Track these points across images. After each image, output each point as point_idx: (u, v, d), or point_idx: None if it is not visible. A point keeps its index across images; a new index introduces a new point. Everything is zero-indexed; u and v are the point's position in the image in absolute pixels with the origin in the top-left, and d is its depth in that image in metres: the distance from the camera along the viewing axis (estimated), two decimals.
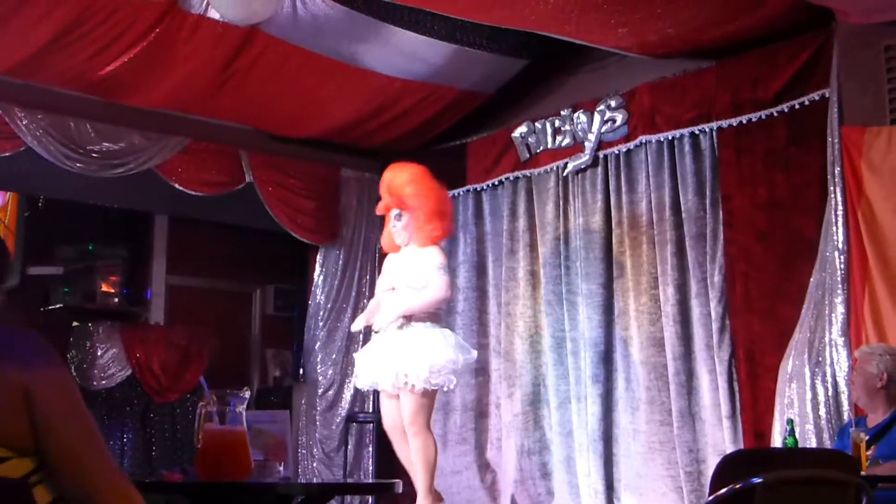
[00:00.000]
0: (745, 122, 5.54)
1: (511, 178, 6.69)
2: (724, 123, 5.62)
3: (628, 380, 5.93)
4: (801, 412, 4.90)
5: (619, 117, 6.11)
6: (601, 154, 6.22)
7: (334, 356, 7.10)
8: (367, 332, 5.52)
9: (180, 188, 6.54)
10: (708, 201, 5.66)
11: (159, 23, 5.43)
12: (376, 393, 5.85)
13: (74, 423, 1.59)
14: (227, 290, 8.15)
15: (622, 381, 5.96)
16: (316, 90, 6.30)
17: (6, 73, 5.68)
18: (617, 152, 6.14)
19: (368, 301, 5.91)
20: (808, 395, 4.90)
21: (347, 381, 7.01)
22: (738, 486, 2.60)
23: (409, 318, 5.17)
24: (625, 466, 5.89)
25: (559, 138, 6.41)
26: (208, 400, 2.68)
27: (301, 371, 7.25)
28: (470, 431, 6.67)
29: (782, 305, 5.25)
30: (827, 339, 4.90)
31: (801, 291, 5.09)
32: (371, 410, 6.92)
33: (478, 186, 6.90)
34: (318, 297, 7.22)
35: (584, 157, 6.25)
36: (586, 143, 6.24)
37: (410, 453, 5.18)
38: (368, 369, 5.27)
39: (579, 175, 6.32)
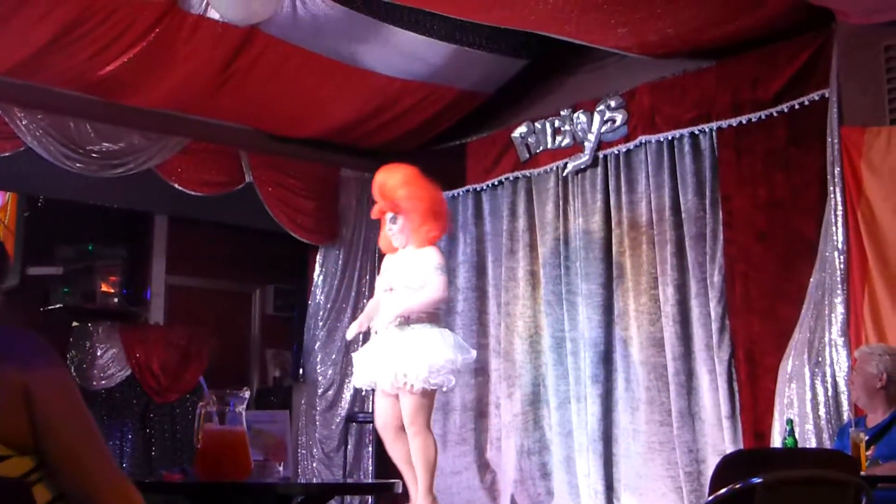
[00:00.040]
0: (744, 122, 5.54)
1: (511, 179, 6.69)
2: (724, 123, 5.62)
3: (628, 380, 5.93)
4: (800, 412, 4.90)
5: (619, 117, 6.11)
6: (601, 154, 6.21)
7: (334, 356, 7.10)
8: (367, 331, 5.52)
9: (180, 188, 6.54)
10: (708, 201, 5.66)
11: (159, 23, 5.43)
12: (375, 393, 5.85)
13: (74, 422, 1.60)
14: (226, 290, 8.15)
15: (622, 382, 5.96)
16: (316, 90, 6.30)
17: (6, 73, 5.68)
18: (617, 152, 6.14)
19: (368, 301, 5.91)
20: (808, 396, 4.90)
21: (347, 381, 7.00)
22: (737, 486, 2.60)
23: (407, 319, 5.17)
24: (624, 466, 5.89)
25: (559, 138, 6.41)
26: (208, 400, 2.68)
27: (301, 371, 7.25)
28: (470, 431, 6.67)
29: (782, 305, 5.25)
30: (827, 340, 4.90)
31: (800, 291, 5.09)
32: (371, 410, 6.91)
33: (477, 186, 6.90)
34: (318, 297, 7.23)
35: (584, 158, 6.25)
36: (586, 144, 6.24)
37: (404, 453, 5.20)
38: (367, 369, 5.27)
39: (579, 175, 6.32)
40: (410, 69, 6.29)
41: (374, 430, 6.81)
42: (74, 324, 6.89)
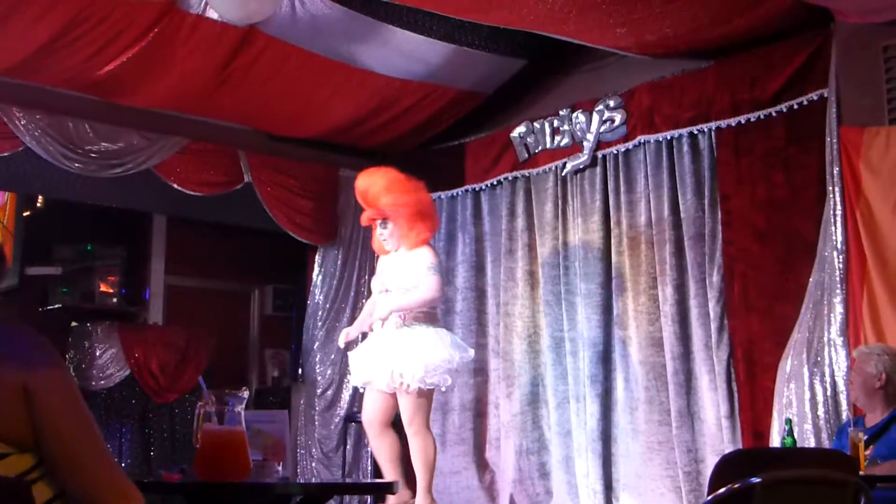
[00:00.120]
0: (743, 122, 5.55)
1: (510, 178, 6.69)
2: (723, 123, 5.62)
3: (627, 380, 5.93)
4: (799, 412, 4.90)
5: (618, 117, 6.11)
6: (600, 154, 6.22)
7: (333, 356, 7.09)
8: (364, 334, 5.54)
9: (179, 188, 6.54)
10: (706, 201, 5.66)
11: (158, 23, 5.43)
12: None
13: (74, 421, 1.59)
14: (225, 290, 8.15)
15: (621, 381, 5.97)
16: (315, 90, 6.30)
17: (5, 73, 5.68)
18: (615, 152, 6.14)
19: (366, 301, 5.91)
20: (807, 395, 4.90)
21: (346, 380, 7.00)
22: (736, 485, 2.60)
23: (404, 319, 5.18)
24: (623, 466, 5.89)
25: (558, 138, 6.41)
26: (207, 400, 2.68)
27: (300, 371, 7.25)
28: (468, 431, 6.67)
29: (781, 305, 5.25)
30: (825, 339, 4.91)
31: (799, 291, 5.09)
32: None
33: (476, 186, 6.90)
34: (317, 297, 7.23)
35: (583, 157, 6.25)
36: (585, 143, 6.24)
37: (386, 450, 5.23)
38: (363, 367, 5.28)
39: (578, 175, 6.32)
40: (409, 69, 6.29)
41: None
42: (73, 324, 6.88)
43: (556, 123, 6.41)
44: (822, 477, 2.74)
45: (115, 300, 7.27)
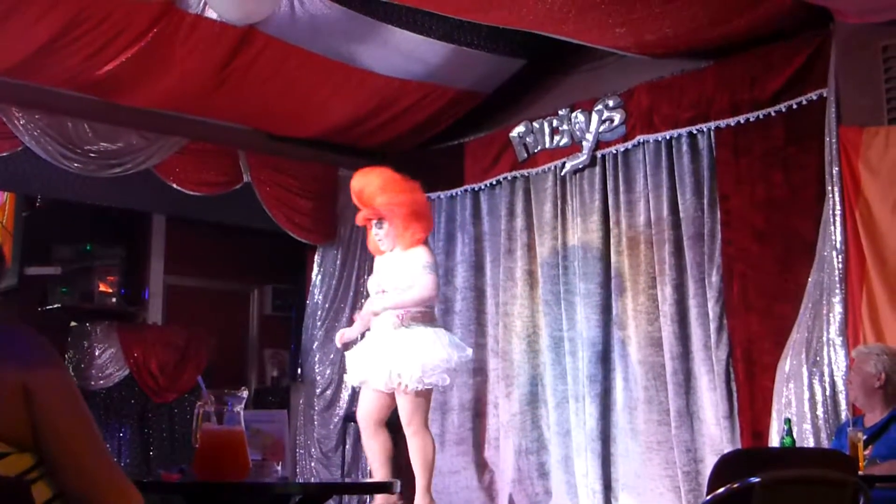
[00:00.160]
0: (742, 122, 5.55)
1: (509, 178, 6.69)
2: (722, 123, 5.62)
3: (626, 379, 5.93)
4: (798, 412, 4.90)
5: (617, 117, 6.11)
6: (599, 154, 6.22)
7: (332, 356, 7.09)
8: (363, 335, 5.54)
9: (178, 188, 6.53)
10: (706, 201, 5.66)
11: (157, 23, 5.43)
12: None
13: (73, 421, 1.59)
14: (224, 289, 8.14)
15: (620, 381, 5.97)
16: (314, 90, 6.30)
17: (4, 73, 5.68)
18: (615, 152, 6.14)
19: (366, 301, 5.91)
20: (806, 395, 4.91)
21: (345, 380, 6.99)
22: (735, 485, 2.60)
23: (402, 319, 5.18)
24: (622, 466, 5.90)
25: (557, 138, 6.41)
26: (206, 400, 2.68)
27: (299, 371, 7.24)
28: (468, 431, 6.67)
29: (780, 305, 5.25)
30: (825, 339, 4.91)
31: (798, 291, 5.10)
32: None
33: (475, 186, 6.89)
34: (316, 296, 7.22)
35: (582, 157, 6.25)
36: (584, 143, 6.24)
37: (378, 449, 5.24)
38: (360, 367, 5.28)
39: (577, 175, 6.32)
40: (409, 69, 6.29)
41: None
42: (72, 324, 6.88)
43: (555, 123, 6.41)
44: (822, 477, 2.74)
45: (114, 300, 7.27)
